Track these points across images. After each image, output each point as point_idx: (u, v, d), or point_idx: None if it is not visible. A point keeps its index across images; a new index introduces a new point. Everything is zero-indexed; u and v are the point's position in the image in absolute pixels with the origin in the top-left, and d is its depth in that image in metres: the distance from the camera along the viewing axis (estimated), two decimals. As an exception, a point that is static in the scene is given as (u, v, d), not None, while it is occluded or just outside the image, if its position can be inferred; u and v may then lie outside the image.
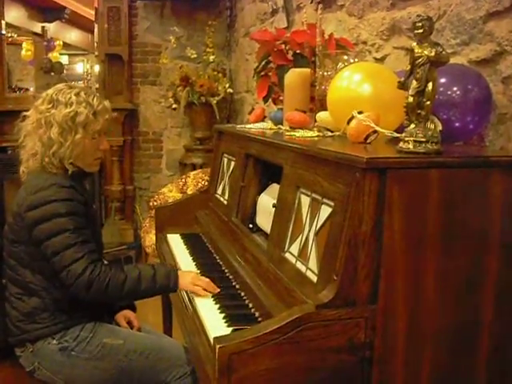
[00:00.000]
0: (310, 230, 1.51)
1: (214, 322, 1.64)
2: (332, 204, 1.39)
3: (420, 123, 1.30)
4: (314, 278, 1.41)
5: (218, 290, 1.84)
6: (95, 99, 1.92)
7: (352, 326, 1.25)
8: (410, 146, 1.29)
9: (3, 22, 5.21)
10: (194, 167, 5.07)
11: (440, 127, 1.38)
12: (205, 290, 1.82)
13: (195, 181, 4.61)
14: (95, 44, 5.43)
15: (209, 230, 2.50)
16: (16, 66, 6.51)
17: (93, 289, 1.78)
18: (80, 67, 7.95)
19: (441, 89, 1.62)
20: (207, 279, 1.88)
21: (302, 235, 1.56)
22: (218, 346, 1.21)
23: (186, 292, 1.90)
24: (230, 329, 1.57)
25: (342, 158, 1.31)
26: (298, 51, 2.43)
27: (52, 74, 5.19)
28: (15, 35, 6.42)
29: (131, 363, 1.88)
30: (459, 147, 1.63)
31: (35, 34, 6.82)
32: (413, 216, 1.24)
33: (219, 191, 2.64)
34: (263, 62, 2.58)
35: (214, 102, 4.86)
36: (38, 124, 1.89)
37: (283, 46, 2.49)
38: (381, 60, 2.32)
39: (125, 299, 2.05)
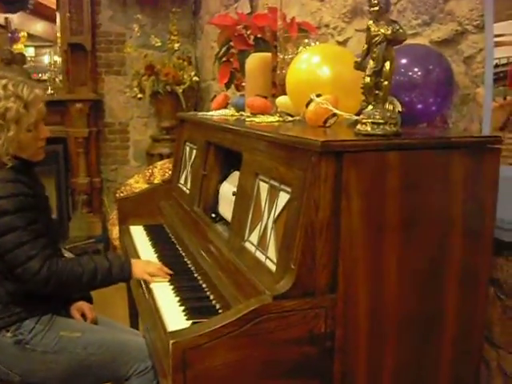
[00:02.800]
0: (268, 218, 1.46)
1: (173, 315, 1.58)
2: (289, 190, 1.33)
3: (378, 104, 1.25)
4: (273, 268, 1.36)
5: (170, 273, 1.87)
6: (25, 90, 1.81)
7: (312, 317, 1.21)
8: (368, 128, 1.24)
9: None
10: (161, 157, 4.99)
11: (399, 108, 1.34)
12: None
13: (162, 171, 4.53)
14: (57, 34, 5.30)
15: (172, 221, 2.43)
16: (-23, 58, 6.32)
17: (51, 284, 1.76)
18: (47, 59, 7.78)
19: (402, 70, 1.58)
20: (158, 264, 1.91)
21: (261, 223, 1.50)
22: (171, 342, 1.16)
23: (145, 283, 1.85)
24: (190, 322, 1.52)
25: (297, 142, 1.25)
26: (259, 35, 2.37)
27: (13, 65, 5.02)
28: (-22, 27, 6.24)
29: (89, 357, 1.82)
30: (420, 129, 1.59)
31: (-2, 25, 6.64)
32: (372, 201, 1.20)
33: (182, 181, 2.57)
34: (224, 48, 2.52)
35: (180, 90, 4.78)
36: None
37: (244, 31, 2.43)
38: (343, 43, 2.27)
39: (82, 291, 2.04)
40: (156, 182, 4.45)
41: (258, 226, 1.52)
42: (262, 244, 1.48)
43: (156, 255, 2.16)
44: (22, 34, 6.70)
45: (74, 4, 4.82)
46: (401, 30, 1.20)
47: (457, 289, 1.31)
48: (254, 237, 1.53)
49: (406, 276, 1.25)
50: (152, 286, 1.83)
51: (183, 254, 2.12)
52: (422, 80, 1.60)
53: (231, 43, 2.48)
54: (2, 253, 1.73)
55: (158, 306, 1.67)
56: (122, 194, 4.48)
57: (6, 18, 6.73)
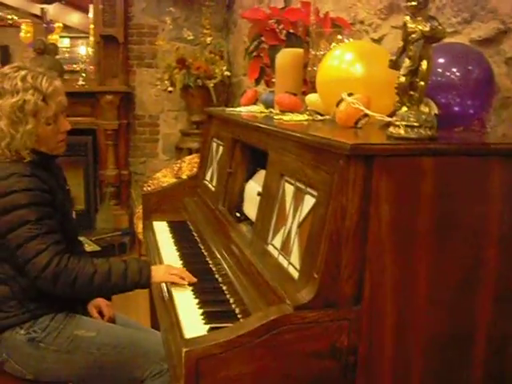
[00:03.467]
0: (293, 222, 1.39)
1: (191, 319, 1.53)
2: (316, 194, 1.27)
3: (412, 106, 1.17)
4: (296, 274, 1.30)
5: (195, 279, 1.75)
6: (44, 82, 1.77)
7: (334, 329, 1.14)
8: (401, 131, 1.16)
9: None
10: (190, 152, 4.95)
11: (435, 110, 1.26)
12: (181, 278, 1.74)
13: (190, 166, 4.49)
14: (91, 26, 5.30)
15: (195, 219, 2.38)
16: (17, 49, 6.38)
17: (60, 282, 1.69)
18: (83, 50, 7.83)
19: (439, 70, 1.49)
20: (181, 268, 1.81)
21: (285, 227, 1.44)
22: (184, 350, 1.10)
23: (166, 284, 1.80)
24: (207, 326, 1.46)
25: (325, 144, 1.18)
26: (291, 31, 2.29)
27: (45, 55, 5.04)
28: (16, 17, 6.29)
29: (104, 357, 1.78)
30: (457, 133, 1.51)
31: (34, 15, 6.68)
32: (403, 208, 1.12)
33: (208, 177, 2.52)
34: (255, 43, 2.45)
35: (211, 85, 4.73)
36: None
37: (276, 26, 2.36)
38: (378, 41, 2.19)
39: (95, 294, 1.94)
40: (184, 176, 4.41)
41: (282, 230, 1.45)
42: (285, 249, 1.41)
43: (178, 253, 2.12)
44: (57, 24, 6.74)
45: (107, -4, 4.82)
46: (440, 27, 1.12)
47: (491, 304, 1.23)
48: (278, 240, 1.47)
49: (436, 289, 1.17)
50: (171, 287, 1.78)
51: (205, 253, 2.07)
52: (460, 81, 1.51)
53: (262, 38, 2.41)
54: (14, 247, 1.70)
55: (176, 308, 1.62)
56: (149, 188, 4.45)
57: (42, 9, 6.78)
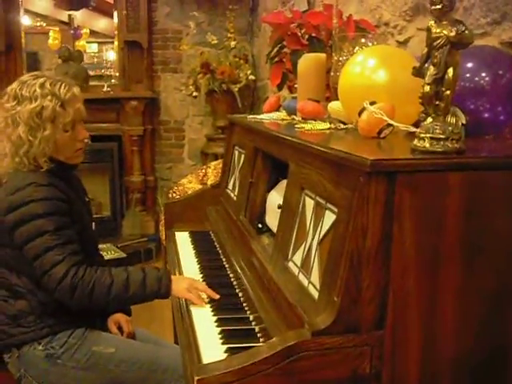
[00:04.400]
0: (313, 239, 1.32)
1: (208, 338, 1.47)
2: (336, 211, 1.20)
3: (438, 117, 1.09)
4: (316, 295, 1.23)
5: (217, 296, 1.68)
6: (62, 88, 1.76)
7: (355, 355, 1.07)
8: (426, 145, 1.09)
9: (21, 11, 5.13)
10: (216, 157, 4.91)
11: (463, 120, 1.18)
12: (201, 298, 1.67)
13: (216, 171, 4.44)
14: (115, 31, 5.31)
15: (217, 229, 2.33)
16: (45, 56, 6.45)
17: (77, 294, 1.64)
18: (111, 55, 7.89)
19: (467, 75, 1.41)
20: (204, 285, 1.73)
21: (305, 243, 1.37)
22: (196, 378, 1.04)
23: (185, 300, 1.75)
24: (225, 347, 1.40)
25: (345, 159, 1.11)
26: (313, 35, 2.23)
27: (70, 62, 5.05)
28: (44, 24, 6.35)
29: (122, 374, 1.73)
30: (487, 143, 1.42)
31: (62, 22, 6.74)
32: (428, 228, 1.05)
33: (230, 186, 2.47)
34: (277, 47, 2.39)
35: (236, 89, 4.69)
36: (5, 123, 1.77)
37: (298, 30, 2.29)
38: (403, 43, 2.11)
39: (112, 305, 1.88)
40: (209, 182, 4.37)
41: (303, 246, 1.39)
42: (305, 266, 1.35)
43: (198, 265, 2.06)
44: (84, 30, 6.78)
45: (130, 1, 4.80)
46: (467, 32, 1.04)
47: (524, 327, 1.15)
48: (298, 257, 1.41)
49: (464, 313, 1.09)
50: (190, 304, 1.73)
51: (226, 265, 2.01)
52: (489, 86, 1.43)
53: (284, 42, 2.35)
54: (31, 258, 1.67)
55: (194, 325, 1.56)
56: (174, 194, 4.43)
57: (70, 15, 6.83)
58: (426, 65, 1.11)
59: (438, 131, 1.08)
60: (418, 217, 1.04)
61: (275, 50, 2.38)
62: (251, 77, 4.73)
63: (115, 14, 5.09)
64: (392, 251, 1.04)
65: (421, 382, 1.11)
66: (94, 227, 1.97)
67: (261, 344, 1.36)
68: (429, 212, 1.04)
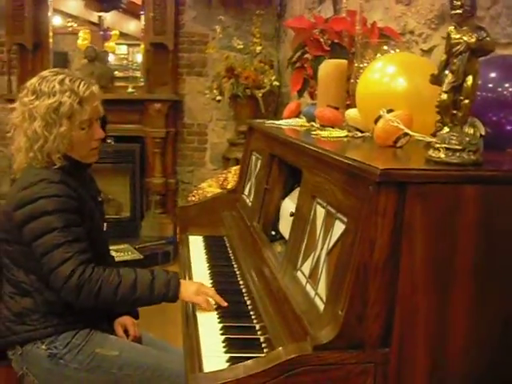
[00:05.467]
0: (322, 249, 1.28)
1: (212, 345, 1.43)
2: (345, 221, 1.15)
3: (455, 127, 1.04)
4: (322, 307, 1.18)
5: (225, 303, 1.65)
6: (81, 86, 1.75)
7: (358, 373, 1.02)
8: (441, 155, 1.04)
9: (50, 10, 5.18)
10: (237, 162, 4.88)
11: (482, 132, 1.13)
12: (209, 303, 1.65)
13: (236, 176, 4.40)
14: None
15: (231, 235, 2.30)
16: (75, 56, 6.52)
17: (83, 293, 1.62)
18: (139, 57, 7.93)
19: (490, 85, 1.35)
20: (213, 290, 1.70)
21: (314, 253, 1.33)
22: (190, 389, 1.01)
23: (192, 305, 1.71)
24: (227, 356, 1.36)
25: (355, 167, 1.07)
26: (335, 41, 2.19)
27: (96, 62, 5.08)
28: (74, 24, 6.42)
29: (125, 378, 1.71)
30: (507, 157, 1.36)
31: (92, 23, 6.80)
32: (440, 243, 1.00)
33: (246, 192, 2.43)
34: (299, 53, 2.35)
35: (260, 94, 4.67)
36: (22, 117, 1.76)
37: (320, 35, 2.25)
38: (428, 52, 2.05)
39: (119, 306, 1.85)
40: (229, 187, 4.35)
41: (312, 256, 1.35)
42: (313, 277, 1.30)
43: (209, 271, 2.03)
44: (113, 32, 6.83)
45: (158, 4, 4.81)
46: (488, 39, 0.99)
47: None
48: (307, 267, 1.36)
49: (476, 334, 1.04)
50: (197, 309, 1.69)
51: (237, 272, 1.97)
52: (513, 98, 1.37)
53: (306, 48, 2.31)
54: (39, 255, 1.65)
55: (198, 331, 1.53)
56: (193, 198, 4.41)
57: (100, 17, 6.90)
58: (445, 72, 1.06)
59: (454, 142, 1.03)
60: (430, 231, 0.99)
61: (297, 55, 2.35)
62: (275, 82, 4.70)
63: (142, 15, 5.10)
64: (400, 266, 0.99)
65: (427, 404, 1.06)
66: (105, 228, 1.94)
67: (264, 355, 1.32)
68: (441, 226, 0.99)
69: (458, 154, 1.03)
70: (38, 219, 1.65)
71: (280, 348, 1.10)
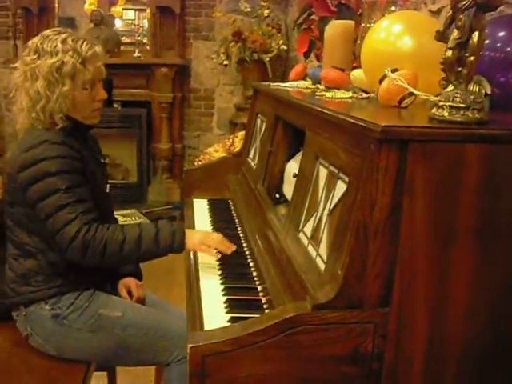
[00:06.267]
0: (324, 209, 1.27)
1: (214, 306, 1.43)
2: (347, 180, 1.14)
3: (460, 84, 1.02)
4: (323, 267, 1.18)
5: (234, 247, 1.69)
6: (84, 45, 1.72)
7: (357, 333, 1.02)
8: (445, 113, 1.02)
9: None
10: (244, 127, 4.85)
11: (488, 90, 1.10)
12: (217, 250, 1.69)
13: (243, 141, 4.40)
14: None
15: (236, 198, 2.29)
16: (82, 21, 6.45)
17: (89, 252, 1.62)
18: (146, 22, 7.83)
19: (498, 44, 1.32)
20: (220, 236, 1.72)
21: (316, 214, 1.32)
22: (189, 346, 1.01)
23: (196, 263, 1.71)
24: (229, 316, 1.37)
25: (357, 125, 1.05)
26: (342, 1, 2.14)
27: (102, 26, 5.02)
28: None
29: (128, 339, 1.71)
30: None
31: (98, -14, 6.72)
32: (441, 202, 0.99)
33: (251, 155, 2.41)
34: (305, 14, 2.31)
35: (267, 59, 4.60)
36: (24, 77, 1.73)
37: (327, -5, 2.21)
38: (436, 13, 2.00)
39: (126, 262, 1.85)
40: (236, 151, 4.33)
41: (313, 217, 1.34)
42: (314, 238, 1.30)
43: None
44: (120, -4, 6.73)
45: (164, -34, 4.73)
46: (496, -7, 0.96)
47: (541, 312, 1.08)
48: (308, 228, 1.36)
49: (476, 295, 1.04)
50: (200, 267, 1.70)
51: (241, 235, 1.97)
52: (523, 57, 1.34)
53: (312, 9, 2.26)
54: (44, 217, 1.64)
55: (200, 292, 1.53)
56: (200, 163, 4.40)
57: (106, -21, 6.80)
58: (450, 28, 1.03)
59: (458, 99, 1.01)
60: (431, 190, 0.98)
61: (303, 16, 2.30)
62: (283, 47, 4.63)
63: (148, -22, 5.02)
64: (401, 226, 0.98)
65: (426, 363, 1.06)
66: (108, 189, 1.93)
67: (265, 315, 1.32)
68: (443, 185, 0.98)
69: (461, 112, 1.01)
70: (42, 180, 1.64)
71: (279, 307, 1.10)
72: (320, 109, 1.31)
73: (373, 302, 1.02)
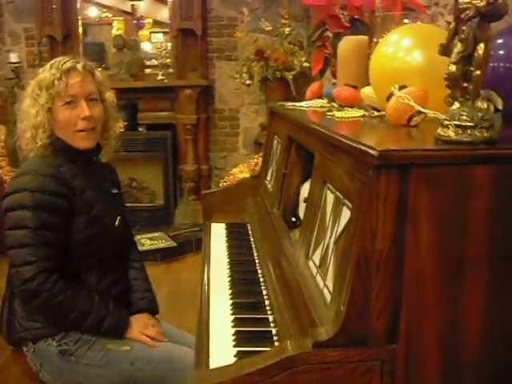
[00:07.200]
0: (330, 237, 1.20)
1: (221, 339, 1.37)
2: (351, 207, 1.07)
3: (466, 101, 0.95)
4: (329, 299, 1.11)
5: (165, 340, 1.78)
6: (65, 62, 1.72)
7: (363, 371, 0.95)
8: (451, 133, 0.94)
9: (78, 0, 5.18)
10: (269, 147, 4.81)
11: (499, 106, 1.03)
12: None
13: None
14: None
15: (253, 222, 2.23)
16: (111, 46, 6.56)
17: (37, 302, 1.62)
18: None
19: (510, 53, 1.25)
20: (157, 329, 1.79)
21: (324, 241, 1.25)
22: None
23: (208, 291, 1.66)
24: (236, 350, 1.30)
25: (356, 149, 0.98)
26: (355, 16, 2.09)
27: (126, 51, 5.06)
28: (110, 15, 6.43)
29: (138, 373, 1.66)
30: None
31: (126, 12, 6.80)
32: (448, 230, 0.91)
33: (268, 177, 2.36)
34: (319, 31, 2.25)
35: (290, 77, 4.55)
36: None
37: (340, 12, 2.15)
38: (453, 24, 1.92)
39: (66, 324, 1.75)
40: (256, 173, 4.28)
41: (321, 245, 1.27)
42: (322, 267, 1.23)
43: (228, 259, 1.97)
44: (147, 20, 6.82)
45: (184, -11, 4.75)
46: (500, 1, 0.89)
47: None
48: (317, 256, 1.29)
49: (491, 327, 0.95)
50: (212, 297, 1.64)
51: (257, 261, 1.91)
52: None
53: (326, 26, 2.21)
54: (7, 246, 1.65)
55: (210, 324, 1.47)
56: (224, 184, 4.37)
57: (133, 5, 6.89)
58: (454, 41, 0.96)
59: (464, 118, 0.94)
60: (437, 218, 0.90)
61: (317, 33, 2.25)
62: (305, 64, 4.57)
63: (169, 2, 5.05)
64: (406, 257, 0.91)
65: (440, 404, 0.97)
66: (117, 222, 1.84)
67: (273, 349, 1.26)
68: (449, 212, 0.90)
69: (468, 131, 0.93)
70: (16, 211, 1.63)
71: (280, 344, 1.03)
72: (324, 131, 1.25)
73: (378, 338, 0.94)
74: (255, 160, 4.42)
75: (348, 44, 1.95)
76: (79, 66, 1.72)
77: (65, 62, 1.72)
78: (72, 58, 1.75)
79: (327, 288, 1.15)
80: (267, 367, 0.94)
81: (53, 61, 1.75)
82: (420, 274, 0.91)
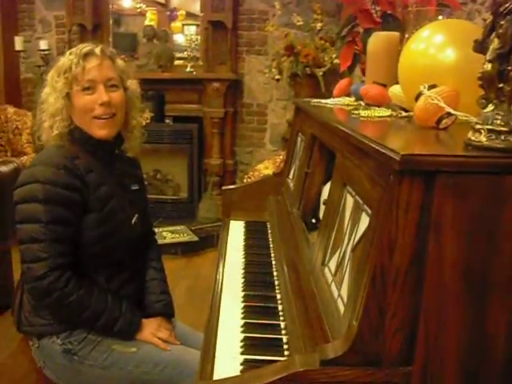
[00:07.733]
0: (348, 243, 1.13)
1: (229, 345, 1.30)
2: (370, 214, 0.99)
3: (502, 104, 0.86)
4: (342, 311, 1.03)
5: (178, 343, 1.72)
6: (86, 48, 1.66)
7: (375, 394, 0.87)
8: (482, 139, 0.86)
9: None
10: (296, 144, 4.73)
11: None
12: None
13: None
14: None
15: (273, 221, 2.15)
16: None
17: (48, 300, 1.56)
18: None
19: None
20: (168, 332, 1.73)
21: (341, 248, 1.18)
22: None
23: (219, 297, 1.59)
24: (242, 358, 1.23)
25: (377, 152, 0.90)
26: (388, 11, 1.99)
27: (155, 42, 5.02)
28: (143, 6, 6.42)
29: (143, 376, 1.59)
30: None
31: (160, 4, 6.79)
32: (476, 244, 0.83)
33: (291, 175, 2.28)
34: (349, 26, 2.16)
35: (320, 73, 4.46)
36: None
37: (371, 6, 2.06)
38: (491, 22, 1.82)
39: (77, 324, 1.69)
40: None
41: (338, 251, 1.19)
42: (338, 275, 1.15)
43: (243, 260, 1.90)
44: (180, 12, 6.79)
45: (217, -19, 4.69)
46: (544, -6, 0.80)
47: None
48: (333, 263, 1.21)
49: (520, 354, 0.87)
50: (223, 298, 1.57)
51: (274, 262, 1.83)
52: None
53: (357, 21, 2.12)
54: (18, 241, 1.58)
55: (218, 328, 1.40)
56: (248, 180, 4.30)
57: (166, -4, 6.87)
58: (491, 37, 0.87)
59: (498, 122, 0.85)
60: (463, 230, 0.82)
61: (347, 28, 2.16)
62: (336, 60, 4.47)
63: (200, -7, 5.00)
64: (426, 272, 0.83)
65: (459, 433, 0.89)
66: (134, 219, 1.75)
67: (283, 358, 1.18)
68: (478, 224, 0.82)
69: (503, 136, 0.84)
70: (26, 204, 1.57)
71: (287, 359, 0.96)
72: (345, 130, 1.17)
73: (393, 359, 0.86)
74: (281, 157, 4.34)
75: (378, 40, 1.86)
76: (97, 50, 1.65)
77: (84, 48, 1.66)
78: (93, 44, 1.69)
79: (341, 299, 1.08)
80: (271, 383, 0.87)
81: (78, 46, 1.70)
82: (442, 292, 0.83)
